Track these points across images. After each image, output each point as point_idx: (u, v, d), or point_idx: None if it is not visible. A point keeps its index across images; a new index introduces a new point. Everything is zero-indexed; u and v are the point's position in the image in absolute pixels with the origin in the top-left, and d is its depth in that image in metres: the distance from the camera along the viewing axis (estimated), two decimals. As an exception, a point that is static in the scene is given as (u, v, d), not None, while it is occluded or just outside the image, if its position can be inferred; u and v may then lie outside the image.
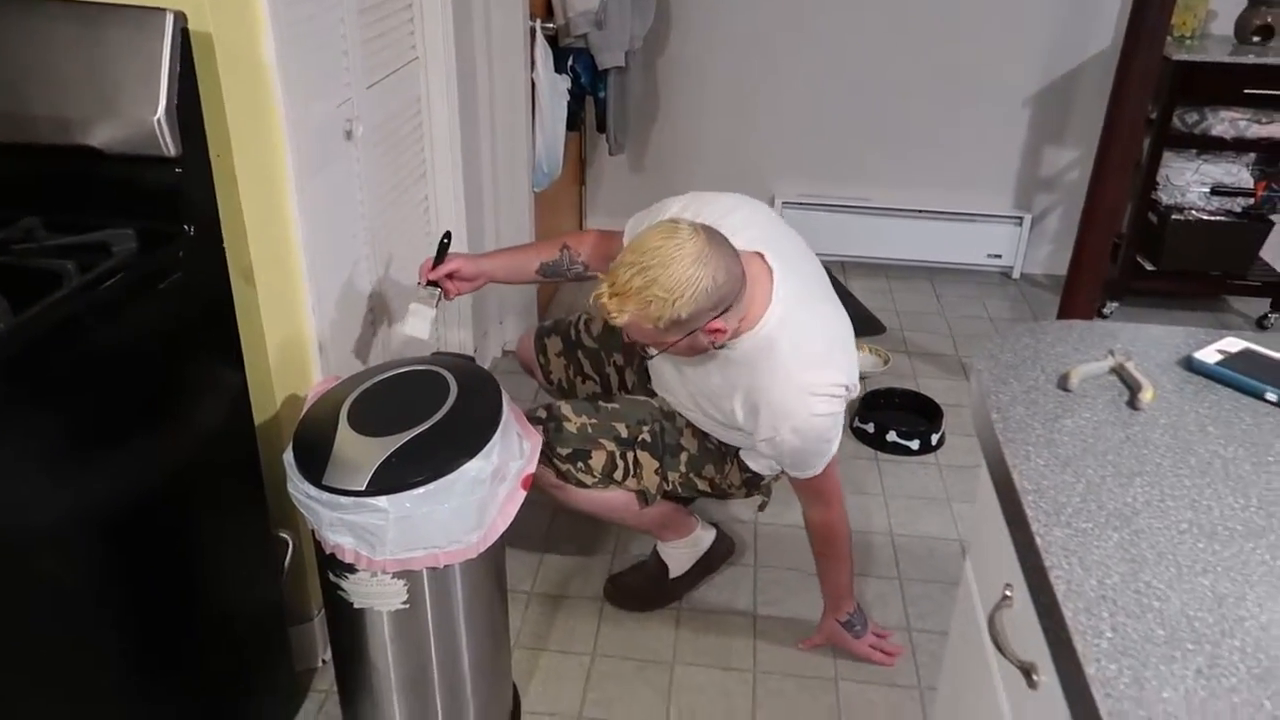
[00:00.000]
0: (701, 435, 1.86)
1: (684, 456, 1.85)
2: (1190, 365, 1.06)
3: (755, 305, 1.59)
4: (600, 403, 1.84)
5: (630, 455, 1.81)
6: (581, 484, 1.81)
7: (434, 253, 1.88)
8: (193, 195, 1.31)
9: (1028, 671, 0.82)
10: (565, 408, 1.80)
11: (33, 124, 1.24)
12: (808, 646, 1.95)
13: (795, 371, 1.59)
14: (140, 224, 1.24)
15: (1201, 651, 0.69)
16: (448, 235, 1.90)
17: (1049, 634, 0.74)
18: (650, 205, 1.82)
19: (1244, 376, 1.02)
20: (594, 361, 2.06)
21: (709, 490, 1.90)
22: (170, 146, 1.23)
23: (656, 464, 1.83)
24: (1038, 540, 0.79)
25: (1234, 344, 1.08)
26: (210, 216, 1.36)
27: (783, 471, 1.79)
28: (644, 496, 1.85)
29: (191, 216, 1.30)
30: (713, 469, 1.86)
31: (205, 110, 1.32)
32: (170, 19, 1.21)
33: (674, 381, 1.82)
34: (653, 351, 1.63)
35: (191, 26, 1.25)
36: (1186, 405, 0.99)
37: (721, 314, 1.52)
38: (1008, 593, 0.90)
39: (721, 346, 1.62)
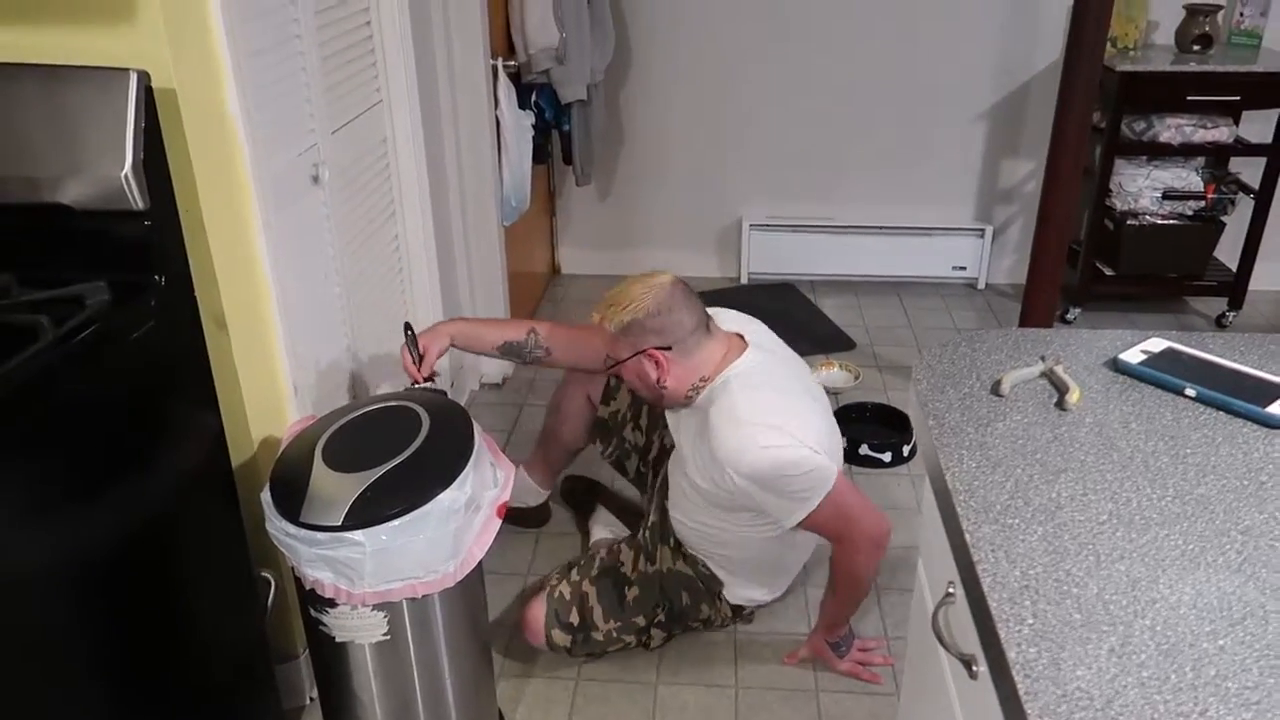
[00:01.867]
0: (692, 579, 1.98)
1: (688, 614, 2.00)
2: (1116, 366, 1.11)
3: (719, 365, 1.80)
4: (625, 589, 1.96)
5: (644, 637, 1.98)
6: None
7: (408, 350, 1.92)
8: (163, 246, 1.35)
9: (968, 663, 0.86)
10: (598, 612, 1.92)
11: (3, 185, 1.28)
12: (793, 662, 2.00)
13: (737, 413, 1.72)
14: (112, 276, 1.28)
15: (1115, 632, 0.74)
16: (409, 327, 1.95)
17: (979, 624, 0.79)
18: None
19: (1165, 374, 1.07)
20: (652, 420, 2.17)
21: (700, 627, 2.05)
22: (138, 200, 1.27)
23: (665, 634, 2.01)
24: (967, 537, 0.84)
25: (1157, 344, 1.14)
26: (180, 266, 1.41)
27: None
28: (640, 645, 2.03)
29: (162, 267, 1.35)
30: (707, 608, 2.00)
31: (172, 163, 1.37)
32: (134, 78, 1.26)
33: (683, 470, 1.92)
34: (611, 361, 1.86)
35: (155, 83, 1.31)
36: (1112, 404, 1.05)
37: (665, 349, 1.76)
38: (950, 590, 0.94)
39: (678, 395, 1.83)
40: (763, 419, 1.72)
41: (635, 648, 1.98)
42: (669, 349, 1.77)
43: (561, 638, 1.91)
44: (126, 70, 1.26)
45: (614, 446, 2.21)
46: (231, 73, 1.48)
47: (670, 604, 1.97)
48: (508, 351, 2.06)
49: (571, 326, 2.12)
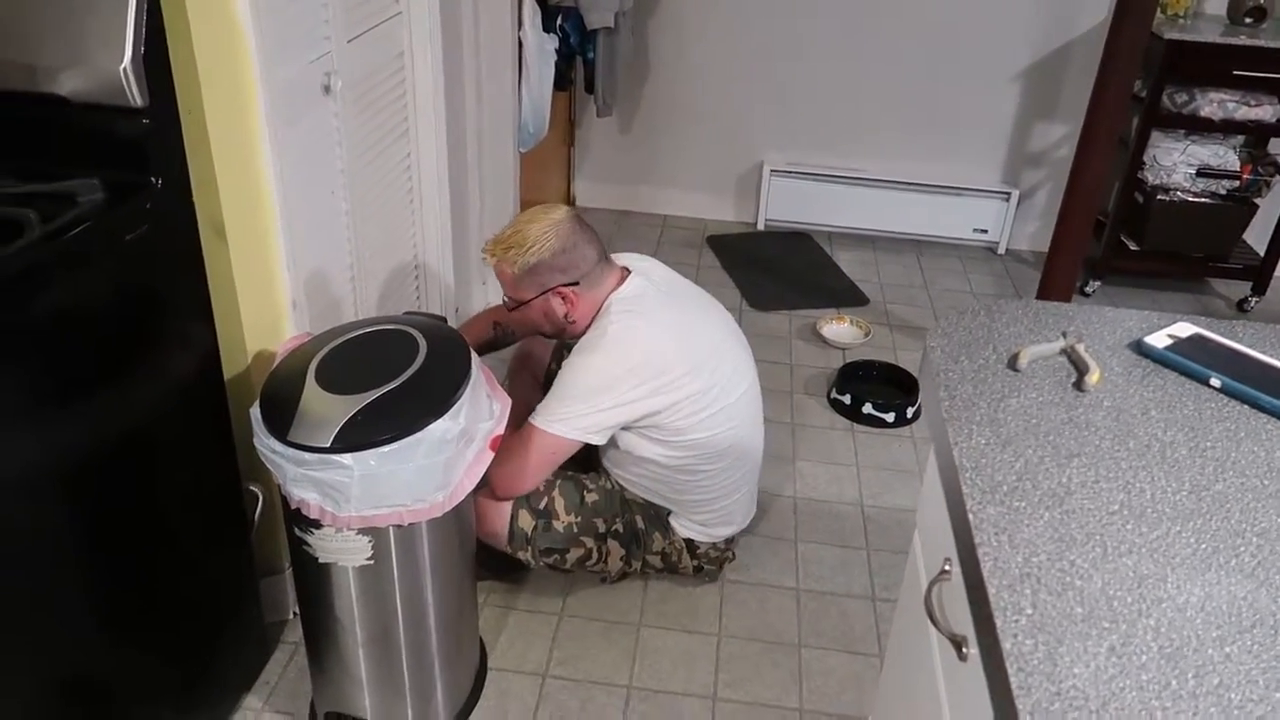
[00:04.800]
0: (642, 505, 1.95)
1: (644, 540, 1.95)
2: (1140, 349, 1.07)
3: (600, 301, 1.82)
4: (584, 492, 1.90)
5: (603, 548, 1.91)
6: (552, 568, 1.92)
7: None
8: (161, 147, 1.30)
9: (958, 644, 0.84)
10: (559, 503, 1.87)
11: (-1, 70, 1.23)
12: None
13: (605, 336, 1.76)
14: (107, 175, 1.23)
15: (1116, 630, 0.71)
16: None
17: (974, 608, 0.76)
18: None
19: (1190, 362, 1.03)
20: None
21: (660, 564, 2.00)
22: (137, 96, 1.22)
23: (623, 551, 1.94)
24: (970, 517, 0.80)
25: (1185, 329, 1.09)
26: (179, 169, 1.35)
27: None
28: (603, 578, 2.01)
29: (159, 168, 1.30)
30: (661, 539, 1.96)
31: (175, 61, 1.31)
32: (138, -32, 1.19)
33: None
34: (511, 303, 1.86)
35: (161, -24, 1.24)
36: (1132, 389, 1.01)
37: (571, 285, 1.78)
38: (946, 567, 0.92)
39: (578, 334, 1.83)
40: (615, 343, 1.75)
41: (595, 565, 1.91)
42: (576, 284, 1.79)
43: (527, 520, 1.83)
44: (130, -41, 1.19)
45: None
46: (243, -30, 1.42)
47: (627, 518, 1.93)
48: (486, 349, 2.13)
49: None
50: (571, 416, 1.75)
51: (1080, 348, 1.04)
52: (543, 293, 1.80)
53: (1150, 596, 0.74)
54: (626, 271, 1.87)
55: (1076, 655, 0.68)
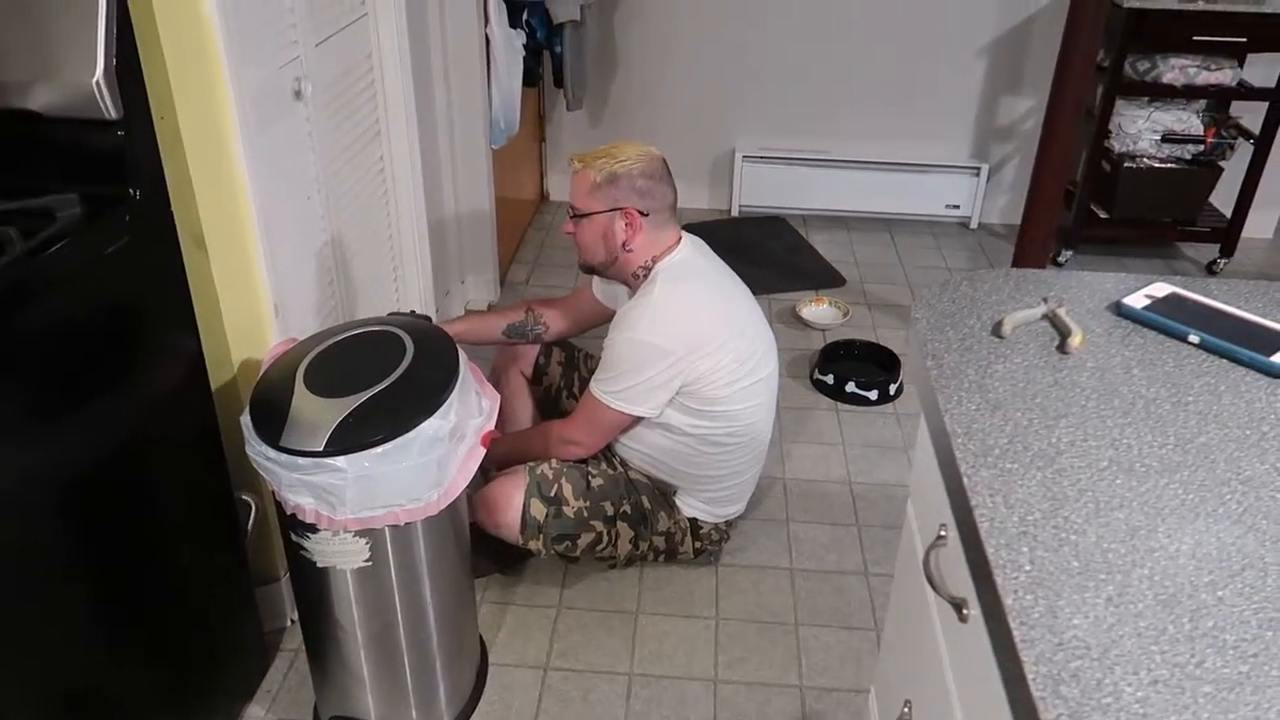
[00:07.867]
0: (648, 485, 1.99)
1: (650, 520, 1.97)
2: (1120, 310, 1.09)
3: (665, 251, 1.88)
4: (589, 478, 1.91)
5: (613, 531, 1.92)
6: (562, 556, 1.94)
7: None
8: (137, 159, 1.30)
9: (958, 606, 0.85)
10: (567, 489, 1.87)
11: (-32, 88, 1.22)
12: None
13: (652, 304, 1.82)
14: (85, 189, 1.23)
15: (1112, 581, 0.72)
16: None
17: (974, 569, 0.78)
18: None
19: (1169, 320, 1.05)
20: (584, 387, 2.14)
21: (664, 546, 2.02)
22: (110, 109, 1.22)
23: (632, 533, 1.95)
24: (965, 481, 0.82)
25: (1162, 289, 1.11)
26: (156, 180, 1.35)
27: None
28: (612, 564, 2.03)
29: (137, 180, 1.29)
30: (666, 518, 1.99)
31: (146, 71, 1.30)
32: (105, -23, 1.19)
33: None
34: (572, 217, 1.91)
35: (128, -17, 1.23)
36: (1114, 349, 1.03)
37: (641, 213, 1.84)
38: (942, 532, 0.93)
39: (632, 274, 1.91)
40: (664, 320, 1.81)
41: (604, 550, 1.91)
42: (645, 214, 1.84)
43: (539, 508, 1.83)
44: (97, -32, 1.19)
45: None
46: (208, -27, 1.41)
47: (634, 499, 1.94)
48: (512, 333, 2.16)
49: (556, 299, 2.21)
50: (623, 391, 1.84)
51: (1062, 312, 1.06)
52: (613, 209, 1.84)
53: (1143, 547, 0.76)
54: (680, 236, 1.92)
55: (1075, 607, 0.70)
